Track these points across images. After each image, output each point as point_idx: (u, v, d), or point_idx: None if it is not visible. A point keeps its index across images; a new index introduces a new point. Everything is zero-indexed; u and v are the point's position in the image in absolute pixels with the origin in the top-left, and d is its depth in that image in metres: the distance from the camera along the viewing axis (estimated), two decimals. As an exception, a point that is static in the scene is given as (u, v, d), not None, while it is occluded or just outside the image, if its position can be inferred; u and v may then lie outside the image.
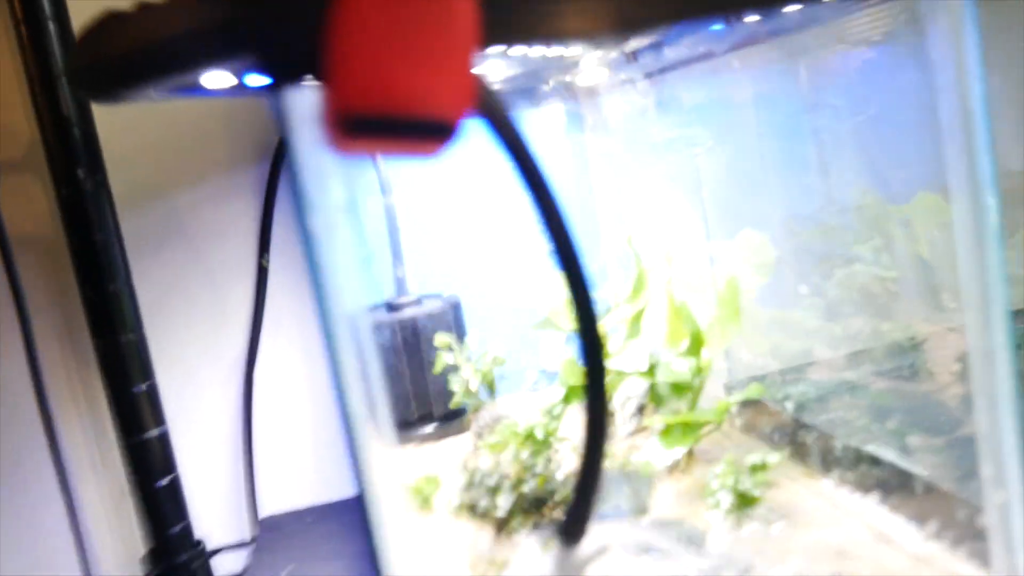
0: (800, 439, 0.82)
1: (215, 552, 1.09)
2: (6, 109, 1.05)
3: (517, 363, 1.05)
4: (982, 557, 0.56)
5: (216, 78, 0.67)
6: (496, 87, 1.08)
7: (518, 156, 0.46)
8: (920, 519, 0.65)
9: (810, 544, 0.66)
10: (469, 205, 1.12)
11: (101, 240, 1.00)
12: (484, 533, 0.76)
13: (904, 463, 0.70)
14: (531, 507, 0.76)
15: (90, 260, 1.00)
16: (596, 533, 0.73)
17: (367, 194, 1.05)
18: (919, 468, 0.70)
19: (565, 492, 0.76)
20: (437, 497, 0.85)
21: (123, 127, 1.06)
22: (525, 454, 0.80)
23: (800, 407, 0.85)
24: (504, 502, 0.74)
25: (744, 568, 0.62)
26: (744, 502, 0.72)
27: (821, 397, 0.85)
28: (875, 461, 0.73)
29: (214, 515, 1.13)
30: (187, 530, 1.06)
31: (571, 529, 0.51)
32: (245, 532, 1.13)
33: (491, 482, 0.75)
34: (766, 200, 0.99)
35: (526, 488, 0.76)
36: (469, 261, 1.11)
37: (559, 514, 0.77)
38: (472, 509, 0.75)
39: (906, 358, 0.84)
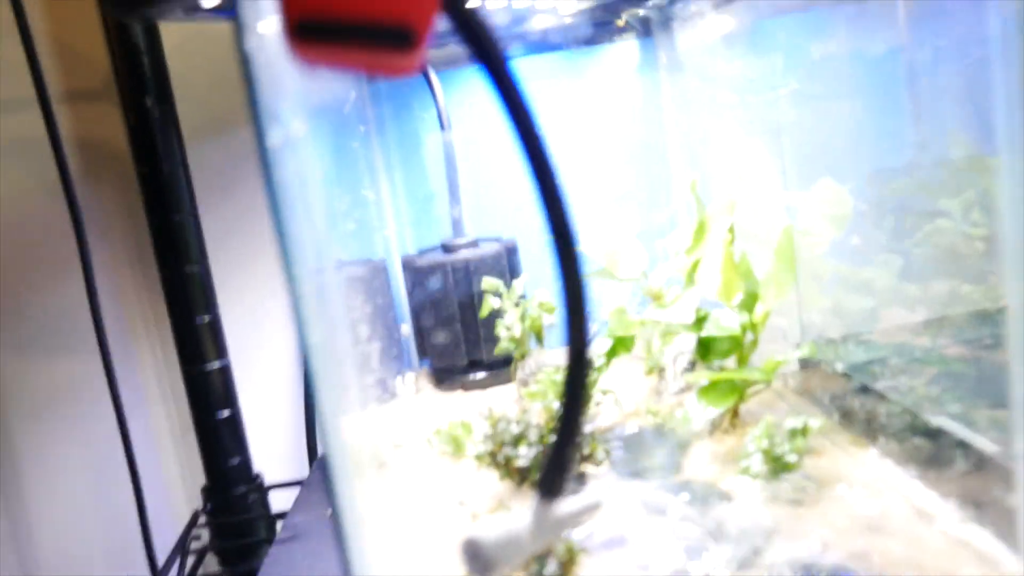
0: (855, 405, 0.75)
1: (272, 487, 1.11)
2: (84, 39, 1.07)
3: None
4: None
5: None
6: (569, 21, 1.03)
7: (496, 76, 0.43)
8: (968, 498, 0.58)
9: (841, 517, 0.60)
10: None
11: (167, 170, 1.01)
12: (506, 483, 0.73)
13: (965, 434, 0.63)
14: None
15: (157, 189, 1.01)
16: (613, 490, 0.70)
17: (427, 130, 1.02)
18: (982, 442, 0.63)
19: (594, 445, 0.73)
20: (469, 444, 0.82)
21: (194, 59, 1.07)
22: (558, 404, 0.76)
23: (860, 371, 0.78)
24: (526, 451, 0.71)
25: (756, 542, 0.58)
26: (779, 467, 0.67)
27: (885, 361, 0.78)
28: (932, 433, 0.67)
29: (273, 451, 1.14)
30: (245, 463, 1.08)
31: (548, 484, 0.48)
32: (303, 470, 1.15)
33: (515, 430, 0.72)
34: (852, 149, 0.92)
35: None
36: (532, 204, 1.07)
37: (586, 467, 0.74)
38: (493, 457, 0.72)
39: (990, 326, 0.76)
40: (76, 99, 1.09)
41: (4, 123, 1.08)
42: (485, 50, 0.42)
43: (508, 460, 0.71)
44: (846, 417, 0.75)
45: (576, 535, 0.61)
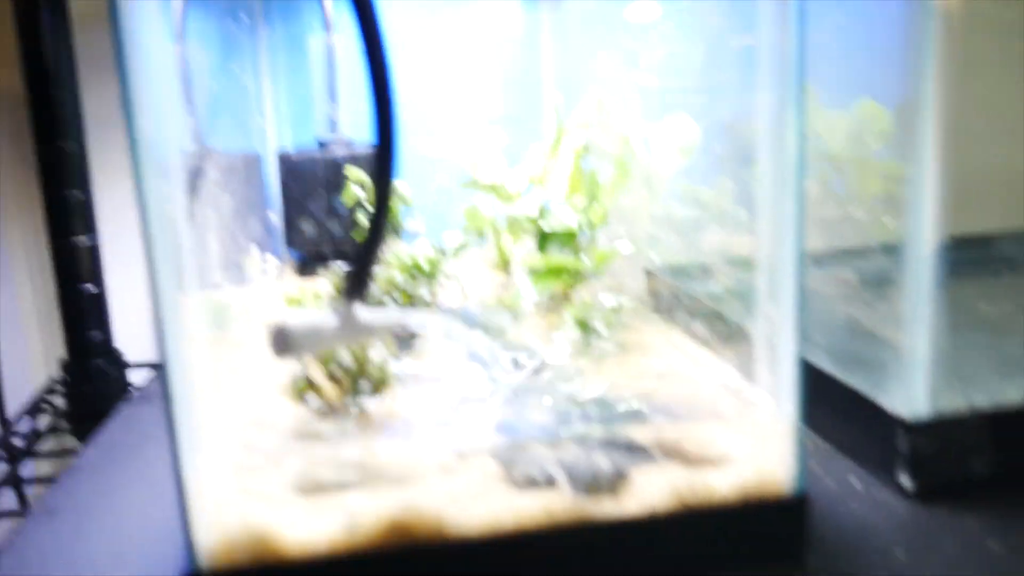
0: (671, 301, 0.83)
1: (132, 365, 1.13)
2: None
3: (439, 219, 1.07)
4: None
5: None
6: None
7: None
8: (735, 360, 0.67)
9: (635, 369, 0.68)
10: (418, 53, 1.13)
11: (52, 49, 1.03)
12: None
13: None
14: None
15: (39, 66, 1.03)
16: (440, 346, 0.76)
17: (313, 33, 1.06)
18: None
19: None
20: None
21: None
22: (401, 279, 0.82)
23: (680, 274, 0.86)
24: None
25: (555, 382, 0.65)
26: (589, 335, 0.74)
27: (701, 268, 0.86)
28: (723, 321, 0.75)
29: (137, 334, 1.17)
30: (107, 339, 1.11)
31: (352, 284, 0.54)
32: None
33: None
34: (713, 96, 0.99)
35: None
36: (411, 111, 1.12)
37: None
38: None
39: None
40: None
41: None
42: None
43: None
44: (660, 308, 0.83)
45: (395, 367, 0.67)
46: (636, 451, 0.59)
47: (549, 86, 1.15)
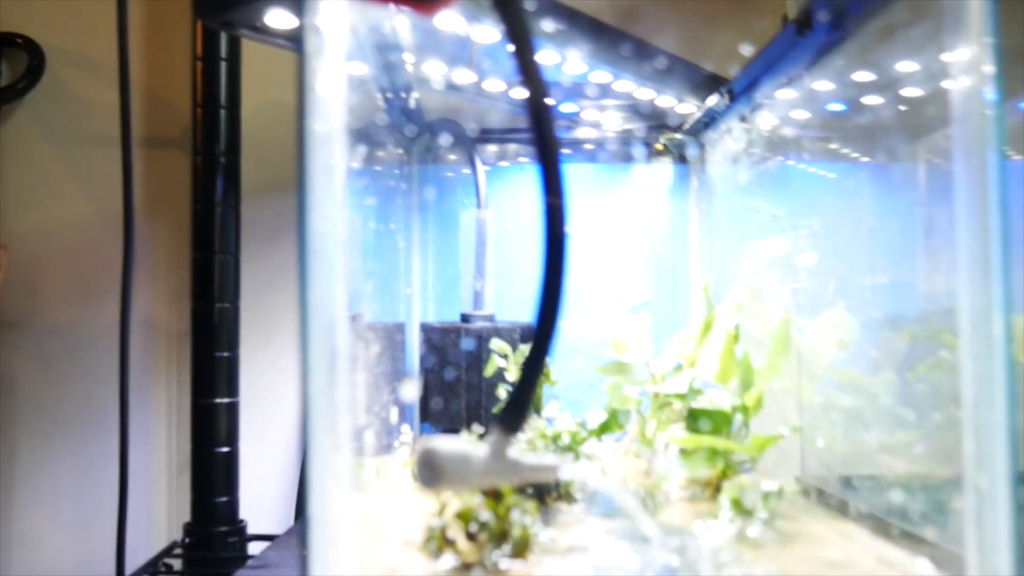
0: (842, 495, 0.76)
1: (255, 537, 1.11)
2: (173, 90, 1.18)
3: (578, 397, 1.03)
4: None
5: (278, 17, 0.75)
6: (611, 137, 1.12)
7: (521, 50, 0.49)
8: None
9: (804, 560, 0.60)
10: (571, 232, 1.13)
11: (220, 212, 1.09)
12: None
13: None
14: (534, 495, 0.74)
15: (207, 227, 1.09)
16: (582, 524, 0.70)
17: (463, 207, 1.09)
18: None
19: (570, 483, 0.74)
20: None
21: (267, 122, 1.17)
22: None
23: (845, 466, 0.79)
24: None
25: (714, 566, 0.58)
26: (747, 518, 0.67)
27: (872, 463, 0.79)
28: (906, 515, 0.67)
29: (264, 503, 1.15)
30: (232, 504, 1.09)
31: (507, 418, 0.50)
32: (290, 523, 1.14)
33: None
34: (865, 294, 0.96)
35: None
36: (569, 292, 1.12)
37: (559, 502, 0.74)
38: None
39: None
40: (154, 143, 1.19)
41: (88, 157, 1.18)
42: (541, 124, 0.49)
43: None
44: (825, 502, 0.76)
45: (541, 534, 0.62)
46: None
47: (696, 275, 1.13)
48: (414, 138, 1.09)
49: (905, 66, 0.79)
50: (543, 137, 0.49)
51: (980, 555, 0.48)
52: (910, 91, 0.80)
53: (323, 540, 0.47)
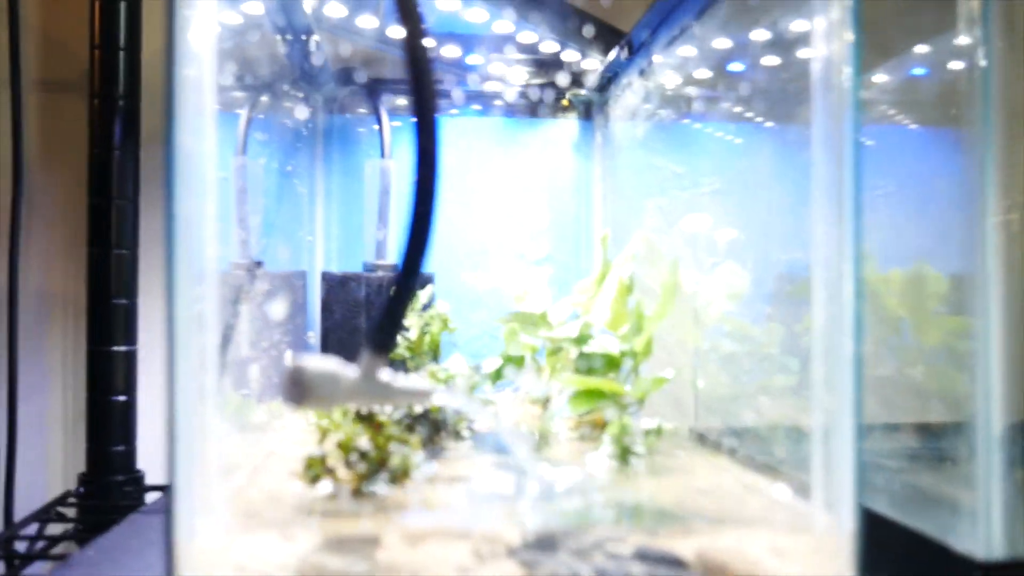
0: (720, 435, 0.79)
1: (153, 487, 1.09)
2: (69, 32, 1.14)
3: (481, 349, 1.05)
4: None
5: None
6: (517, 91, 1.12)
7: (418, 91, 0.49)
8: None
9: (676, 485, 0.63)
10: (474, 193, 1.14)
11: (118, 157, 1.07)
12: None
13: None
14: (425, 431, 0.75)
15: (104, 173, 1.06)
16: (469, 459, 0.72)
17: (367, 156, 1.09)
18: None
19: (460, 420, 0.75)
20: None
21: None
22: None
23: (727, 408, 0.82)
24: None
25: (588, 491, 0.60)
26: (626, 455, 0.69)
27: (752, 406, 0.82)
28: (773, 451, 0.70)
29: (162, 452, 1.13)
30: (130, 454, 1.08)
31: (377, 337, 0.51)
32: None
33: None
34: (761, 249, 0.99)
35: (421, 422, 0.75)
36: (463, 243, 1.13)
37: (447, 441, 0.75)
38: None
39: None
40: (49, 86, 1.16)
41: (-24, 97, 1.14)
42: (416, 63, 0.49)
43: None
44: (705, 441, 0.79)
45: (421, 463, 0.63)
46: (675, 564, 0.53)
47: (598, 228, 1.15)
48: (317, 85, 1.08)
49: (797, 25, 0.81)
50: (417, 79, 0.50)
51: (825, 473, 0.51)
52: (797, 52, 0.83)
53: (188, 470, 0.47)
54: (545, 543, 0.55)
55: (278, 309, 0.98)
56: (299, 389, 0.47)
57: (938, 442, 0.78)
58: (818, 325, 0.53)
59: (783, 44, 0.83)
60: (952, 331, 0.85)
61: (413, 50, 0.49)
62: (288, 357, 0.48)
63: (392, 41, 1.01)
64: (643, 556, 0.55)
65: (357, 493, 0.58)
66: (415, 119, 0.50)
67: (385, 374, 0.51)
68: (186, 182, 0.48)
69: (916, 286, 0.88)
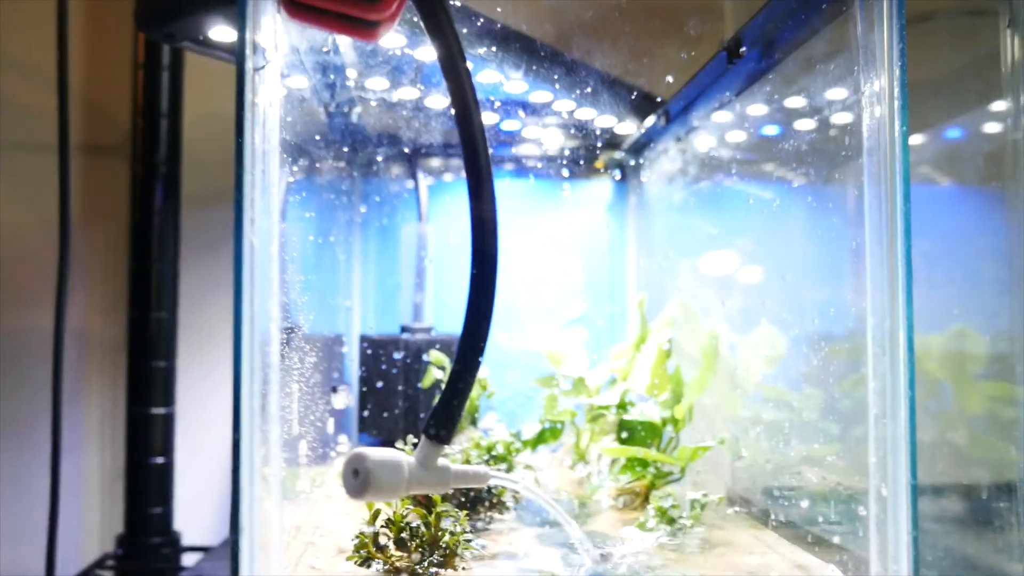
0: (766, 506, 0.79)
1: (190, 548, 1.10)
2: (112, 97, 1.17)
3: (515, 409, 1.05)
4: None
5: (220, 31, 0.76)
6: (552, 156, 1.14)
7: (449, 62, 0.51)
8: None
9: (725, 563, 0.62)
10: (510, 247, 1.15)
11: (159, 221, 1.09)
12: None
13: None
14: (466, 504, 0.75)
15: (145, 236, 1.08)
16: (516, 533, 0.72)
17: (404, 220, 1.10)
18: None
19: (502, 491, 0.75)
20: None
21: (208, 134, 1.16)
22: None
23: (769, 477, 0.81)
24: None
25: (640, 570, 0.60)
26: (673, 526, 0.69)
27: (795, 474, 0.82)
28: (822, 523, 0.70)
29: (200, 515, 1.14)
30: (167, 516, 1.08)
31: (436, 426, 0.51)
32: (224, 537, 1.14)
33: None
34: (796, 311, 0.99)
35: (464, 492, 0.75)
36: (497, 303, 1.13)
37: (491, 513, 0.75)
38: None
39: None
40: (93, 151, 1.18)
41: (25, 164, 1.16)
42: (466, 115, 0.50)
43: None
44: (750, 512, 0.78)
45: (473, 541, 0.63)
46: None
47: (632, 291, 1.15)
48: (356, 153, 1.10)
49: (832, 93, 0.82)
50: (473, 148, 0.51)
51: (882, 560, 0.50)
52: (835, 118, 0.83)
53: (250, 547, 0.48)
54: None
55: (318, 372, 0.99)
56: (361, 480, 0.48)
57: (983, 508, 0.77)
58: (871, 408, 0.52)
59: (821, 111, 0.84)
60: (994, 397, 0.84)
61: (468, 121, 0.50)
62: (351, 449, 0.49)
63: (428, 109, 1.03)
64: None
65: (411, 574, 0.58)
66: (471, 190, 0.51)
67: (443, 461, 0.52)
68: (251, 247, 0.49)
69: (956, 349, 0.88)
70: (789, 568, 0.62)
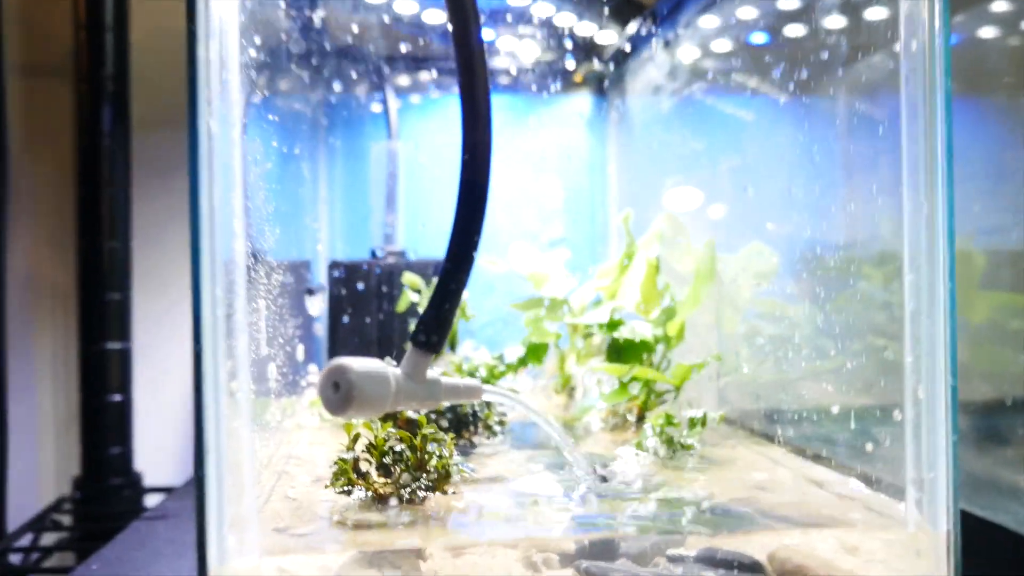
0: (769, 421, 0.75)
1: (152, 489, 1.04)
2: (51, 10, 1.08)
3: (495, 336, 1.00)
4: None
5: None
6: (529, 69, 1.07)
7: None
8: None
9: (730, 479, 0.58)
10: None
11: (107, 144, 1.01)
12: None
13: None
14: (450, 429, 0.70)
15: (92, 161, 1.00)
16: (504, 457, 0.67)
17: (376, 141, 1.03)
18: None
19: (489, 413, 0.70)
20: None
21: (157, 56, 1.08)
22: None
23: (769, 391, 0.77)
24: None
25: (640, 486, 0.55)
26: (674, 448, 0.65)
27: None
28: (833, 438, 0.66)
29: (162, 454, 1.08)
30: (127, 456, 1.02)
31: (425, 335, 0.46)
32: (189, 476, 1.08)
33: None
34: (786, 225, 0.95)
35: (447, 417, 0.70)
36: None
37: (477, 437, 0.70)
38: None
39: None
40: (32, 71, 1.09)
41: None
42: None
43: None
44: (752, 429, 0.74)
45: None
46: (747, 567, 0.49)
47: (614, 209, 1.10)
48: (323, 65, 1.02)
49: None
50: (470, 67, 0.45)
51: (917, 466, 0.46)
52: (829, 21, 0.78)
53: (217, 472, 0.42)
54: (601, 548, 0.50)
55: (286, 298, 0.93)
56: (343, 393, 0.42)
57: (991, 422, 0.74)
58: (908, 304, 0.48)
59: (830, 11, 0.79)
60: (1001, 307, 0.81)
61: (465, 32, 0.44)
62: (330, 361, 0.43)
63: (401, 16, 0.96)
64: (709, 559, 0.50)
65: (396, 500, 0.53)
66: (461, 95, 0.46)
67: (433, 373, 0.46)
68: (211, 171, 0.43)
69: (963, 258, 0.84)
70: (803, 483, 0.58)
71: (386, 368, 0.44)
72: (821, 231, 0.92)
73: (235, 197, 0.46)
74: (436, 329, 0.45)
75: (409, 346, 0.46)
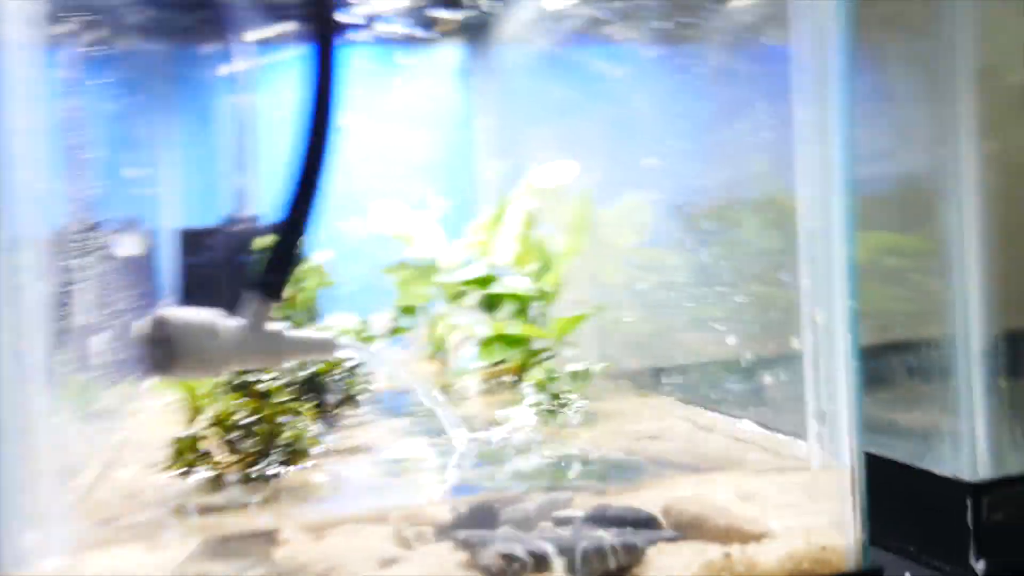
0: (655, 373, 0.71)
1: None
2: None
3: (364, 305, 0.93)
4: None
5: None
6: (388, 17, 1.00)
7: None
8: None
9: (618, 431, 0.54)
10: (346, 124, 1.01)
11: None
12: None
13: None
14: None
15: None
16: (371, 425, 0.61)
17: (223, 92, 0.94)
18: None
19: (351, 382, 0.64)
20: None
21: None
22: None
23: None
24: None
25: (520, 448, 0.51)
26: (557, 403, 0.60)
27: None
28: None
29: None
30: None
31: (266, 283, 0.39)
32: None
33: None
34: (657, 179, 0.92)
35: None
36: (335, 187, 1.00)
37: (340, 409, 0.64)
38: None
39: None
40: None
41: None
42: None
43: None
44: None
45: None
46: (641, 523, 0.45)
47: (484, 163, 1.05)
48: (163, 14, 0.92)
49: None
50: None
51: (817, 395, 0.43)
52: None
53: (12, 474, 0.35)
54: (481, 515, 0.45)
55: (121, 274, 0.84)
56: (165, 350, 0.35)
57: (874, 363, 0.73)
58: (803, 242, 0.44)
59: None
60: (877, 247, 0.80)
61: None
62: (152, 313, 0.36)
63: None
64: (600, 518, 0.46)
65: (244, 479, 0.46)
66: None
67: (275, 324, 0.40)
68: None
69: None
70: (691, 429, 0.54)
71: (215, 318, 0.37)
72: (689, 182, 0.90)
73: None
74: (275, 270, 0.39)
75: (246, 293, 0.39)
